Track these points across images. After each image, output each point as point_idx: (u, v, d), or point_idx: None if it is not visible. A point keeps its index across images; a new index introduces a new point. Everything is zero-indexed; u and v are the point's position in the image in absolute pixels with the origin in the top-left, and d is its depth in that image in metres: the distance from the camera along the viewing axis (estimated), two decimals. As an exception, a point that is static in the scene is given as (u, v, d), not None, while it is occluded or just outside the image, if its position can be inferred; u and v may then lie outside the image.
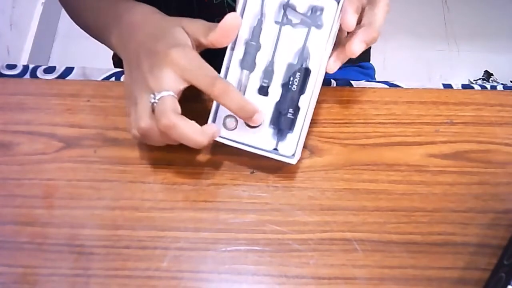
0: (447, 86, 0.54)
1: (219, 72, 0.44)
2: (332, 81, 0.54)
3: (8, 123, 0.51)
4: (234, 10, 0.59)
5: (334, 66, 0.45)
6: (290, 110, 0.45)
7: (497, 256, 0.44)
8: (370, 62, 0.79)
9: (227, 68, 0.45)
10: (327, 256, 0.44)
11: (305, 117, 0.45)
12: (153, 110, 0.42)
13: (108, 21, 0.51)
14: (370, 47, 0.78)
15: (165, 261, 0.44)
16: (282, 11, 0.44)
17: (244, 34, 0.44)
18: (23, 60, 1.44)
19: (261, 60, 0.45)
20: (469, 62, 1.60)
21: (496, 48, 1.60)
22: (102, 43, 0.55)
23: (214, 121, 0.46)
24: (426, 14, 1.68)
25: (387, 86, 0.54)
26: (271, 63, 0.45)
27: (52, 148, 0.49)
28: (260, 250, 0.44)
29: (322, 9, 0.43)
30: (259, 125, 0.45)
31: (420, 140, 0.50)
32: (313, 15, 0.43)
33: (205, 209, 0.46)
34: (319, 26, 0.44)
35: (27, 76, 0.54)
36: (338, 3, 0.43)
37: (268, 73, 0.45)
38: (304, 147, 0.49)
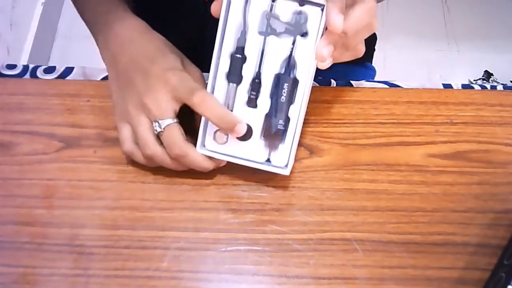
0: (447, 86, 0.54)
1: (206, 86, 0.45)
2: (332, 81, 0.54)
3: (8, 123, 0.51)
4: None
5: (325, 52, 0.41)
6: (280, 121, 0.44)
7: (497, 256, 0.44)
8: (372, 63, 0.79)
9: (214, 83, 0.44)
10: (327, 256, 0.44)
11: (296, 127, 0.44)
12: (157, 137, 0.45)
13: (98, 26, 0.51)
14: (374, 49, 0.79)
15: (165, 261, 0.44)
16: (266, 21, 0.43)
17: (228, 47, 0.43)
18: (23, 60, 1.44)
19: (248, 72, 0.44)
20: (469, 62, 1.60)
21: (496, 48, 1.60)
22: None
23: (204, 135, 0.45)
24: (426, 14, 1.68)
25: (387, 86, 0.54)
26: (258, 74, 0.44)
27: (52, 148, 0.49)
28: (260, 250, 0.44)
29: (306, 17, 0.42)
30: (250, 137, 0.45)
31: (420, 140, 0.50)
32: (297, 23, 0.42)
33: (205, 209, 0.46)
34: (304, 34, 0.42)
35: (27, 76, 0.54)
36: (323, 10, 0.41)
37: (256, 85, 0.44)
38: (304, 147, 0.50)
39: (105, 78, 0.54)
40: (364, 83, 0.54)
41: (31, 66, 0.55)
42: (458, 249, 0.45)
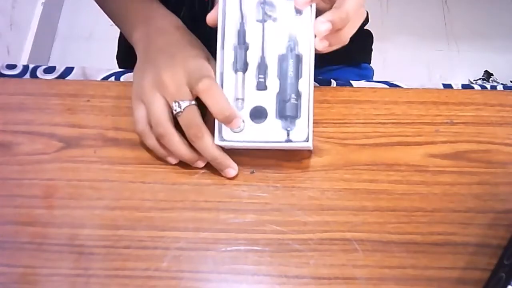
0: (447, 86, 0.54)
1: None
2: (332, 81, 0.54)
3: (8, 123, 0.51)
4: None
5: (322, 27, 0.43)
6: (293, 96, 0.45)
7: (497, 256, 0.44)
8: (371, 63, 0.79)
9: (222, 74, 0.46)
10: (327, 256, 0.44)
11: (309, 100, 0.45)
12: (174, 118, 0.45)
13: (137, 18, 0.53)
14: (371, 50, 0.79)
15: (165, 261, 0.44)
16: (261, 9, 0.45)
17: (231, 39, 0.46)
18: (23, 60, 1.44)
19: (253, 58, 0.46)
20: (469, 62, 1.59)
21: (496, 48, 1.60)
22: (121, 30, 0.58)
23: (220, 127, 0.46)
24: (426, 14, 1.68)
25: (387, 86, 0.54)
26: (263, 58, 0.46)
27: (52, 148, 0.49)
28: (260, 250, 0.44)
29: None
30: (265, 119, 0.45)
31: (420, 140, 0.50)
32: (290, 5, 0.45)
33: (205, 209, 0.46)
34: (299, 13, 0.45)
35: (27, 76, 0.54)
36: None
37: (262, 68, 0.46)
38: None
39: (105, 78, 0.54)
40: (364, 83, 0.54)
41: (31, 66, 0.55)
42: (458, 249, 0.45)
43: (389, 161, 0.49)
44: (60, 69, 0.55)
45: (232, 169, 0.47)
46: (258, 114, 0.46)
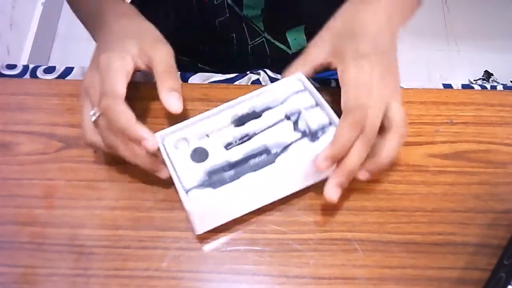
0: (447, 86, 0.54)
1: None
2: (332, 81, 0.54)
3: (8, 123, 0.51)
4: (233, 10, 0.59)
5: (333, 193, 0.42)
6: (231, 173, 0.43)
7: (497, 256, 0.44)
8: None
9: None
10: (327, 256, 0.44)
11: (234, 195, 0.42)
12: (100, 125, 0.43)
13: (94, 24, 0.52)
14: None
15: (165, 261, 0.44)
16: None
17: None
18: (23, 60, 1.44)
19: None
20: (469, 62, 1.59)
21: (496, 48, 1.60)
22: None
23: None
24: (426, 14, 1.68)
25: (387, 86, 0.54)
26: (253, 133, 0.45)
27: (52, 148, 0.49)
28: (260, 250, 0.44)
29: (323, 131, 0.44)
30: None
31: (420, 140, 0.50)
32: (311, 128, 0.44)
33: (205, 209, 0.46)
34: (315, 139, 0.44)
35: (27, 76, 0.54)
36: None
37: (244, 138, 0.45)
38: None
39: (105, 78, 0.54)
40: (364, 83, 0.54)
41: (31, 66, 0.55)
42: (458, 249, 0.45)
43: (389, 161, 0.49)
44: (60, 69, 0.55)
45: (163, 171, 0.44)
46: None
